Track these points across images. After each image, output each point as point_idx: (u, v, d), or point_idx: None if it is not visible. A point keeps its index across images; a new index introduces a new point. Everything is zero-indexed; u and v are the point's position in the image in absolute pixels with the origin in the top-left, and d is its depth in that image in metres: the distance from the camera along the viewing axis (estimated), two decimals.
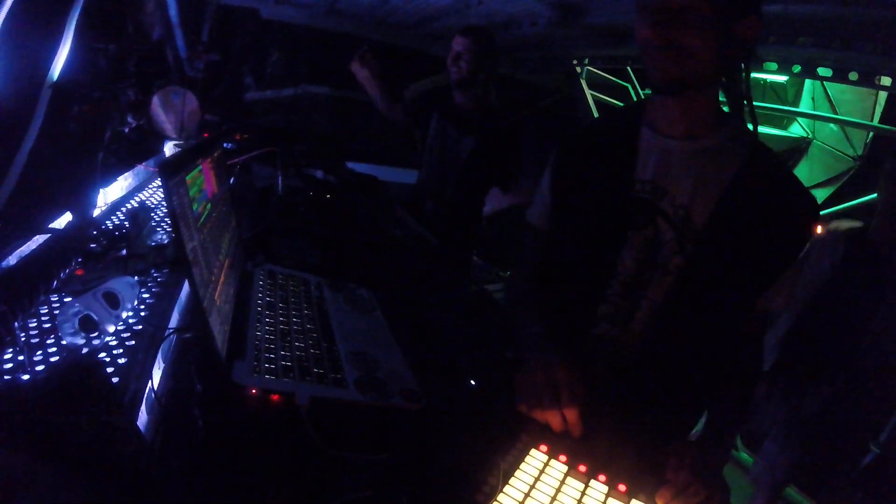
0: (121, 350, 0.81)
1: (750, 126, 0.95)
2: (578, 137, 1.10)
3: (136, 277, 1.03)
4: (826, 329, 1.77)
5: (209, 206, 0.91)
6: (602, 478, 0.75)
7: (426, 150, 2.29)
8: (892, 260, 1.65)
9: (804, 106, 4.31)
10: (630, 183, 0.95)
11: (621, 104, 3.75)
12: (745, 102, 0.94)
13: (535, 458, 0.77)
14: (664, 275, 0.94)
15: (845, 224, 1.80)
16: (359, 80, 2.34)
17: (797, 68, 2.26)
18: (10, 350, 0.75)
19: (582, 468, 0.76)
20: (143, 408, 0.71)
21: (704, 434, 0.94)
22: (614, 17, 2.40)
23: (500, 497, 0.68)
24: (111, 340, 0.83)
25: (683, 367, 0.98)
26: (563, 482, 0.74)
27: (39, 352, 0.77)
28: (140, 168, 1.82)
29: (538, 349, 0.94)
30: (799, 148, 4.91)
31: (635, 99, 3.86)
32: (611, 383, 1.00)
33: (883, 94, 3.80)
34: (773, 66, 2.32)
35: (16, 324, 0.80)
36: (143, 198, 1.64)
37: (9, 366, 0.73)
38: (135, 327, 0.88)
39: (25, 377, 0.71)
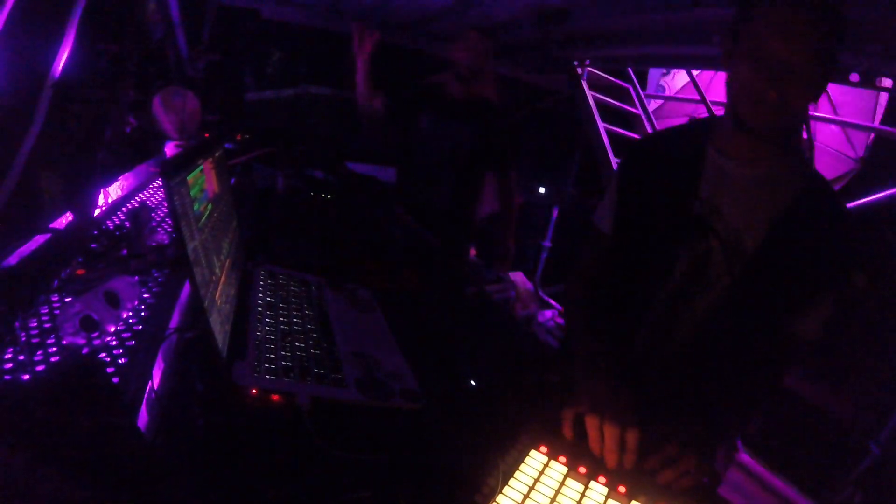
0: (121, 350, 0.81)
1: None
2: (646, 148, 1.14)
3: (136, 277, 1.03)
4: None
5: (210, 206, 0.91)
6: (602, 479, 0.75)
7: (417, 146, 2.27)
8: None
9: None
10: (690, 200, 0.97)
11: (622, 105, 3.76)
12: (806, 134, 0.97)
13: (535, 458, 0.77)
14: (709, 291, 0.97)
15: None
16: (356, 52, 2.14)
17: None
18: (11, 350, 0.75)
19: (582, 469, 0.76)
20: (143, 408, 0.71)
21: (702, 418, 0.93)
22: (600, 21, 2.38)
23: (500, 498, 0.68)
24: (112, 340, 0.83)
25: (711, 380, 1.00)
26: (562, 483, 0.73)
27: (40, 352, 0.77)
28: (141, 168, 1.82)
29: (588, 374, 0.92)
30: None
31: (636, 99, 3.87)
32: (644, 390, 1.00)
33: (884, 95, 3.79)
34: None
35: (16, 324, 0.80)
36: (144, 197, 1.65)
37: (9, 366, 0.73)
38: (135, 327, 0.88)
39: (25, 377, 0.71)
